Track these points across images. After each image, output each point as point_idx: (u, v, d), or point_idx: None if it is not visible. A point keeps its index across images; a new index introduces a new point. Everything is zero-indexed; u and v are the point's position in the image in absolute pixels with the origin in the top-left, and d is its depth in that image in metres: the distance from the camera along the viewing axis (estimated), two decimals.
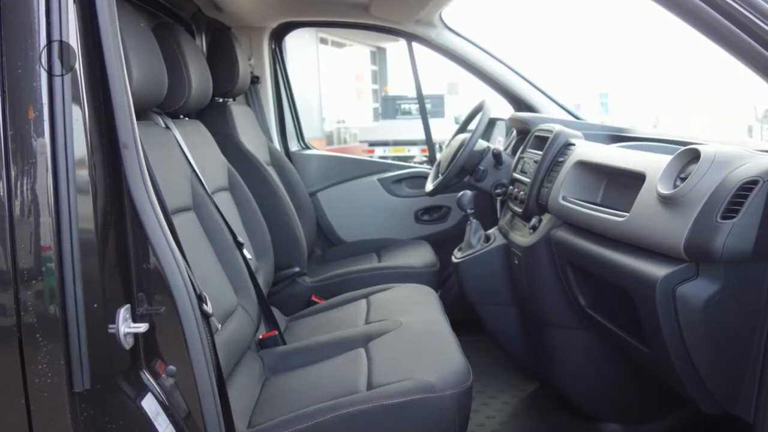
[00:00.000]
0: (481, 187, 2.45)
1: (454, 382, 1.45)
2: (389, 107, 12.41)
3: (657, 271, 1.34)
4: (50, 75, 0.98)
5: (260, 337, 1.95)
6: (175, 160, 1.80)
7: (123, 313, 1.06)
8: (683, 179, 1.33)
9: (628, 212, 1.48)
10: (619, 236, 1.52)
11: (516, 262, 2.08)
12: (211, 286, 1.68)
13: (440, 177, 2.53)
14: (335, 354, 1.78)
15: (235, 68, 2.53)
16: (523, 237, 2.04)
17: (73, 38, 1.01)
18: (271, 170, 2.72)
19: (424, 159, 7.54)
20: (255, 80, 3.11)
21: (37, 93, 0.98)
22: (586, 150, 1.88)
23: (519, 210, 2.11)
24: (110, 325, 1.04)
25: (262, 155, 2.73)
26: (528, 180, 2.07)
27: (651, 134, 2.15)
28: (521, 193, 2.11)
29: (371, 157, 9.45)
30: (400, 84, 13.71)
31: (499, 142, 3.11)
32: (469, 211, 2.32)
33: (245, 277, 1.91)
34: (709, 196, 1.26)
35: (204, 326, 1.15)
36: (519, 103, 2.85)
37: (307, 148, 3.44)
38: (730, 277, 1.28)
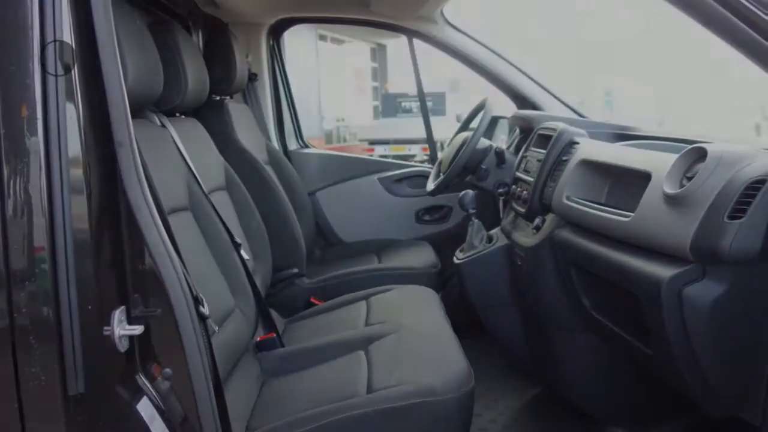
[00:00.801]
0: (483, 187, 2.42)
1: (455, 386, 1.43)
2: (390, 105, 12.36)
3: (663, 272, 1.32)
4: (45, 73, 0.96)
5: (258, 339, 1.93)
6: (171, 159, 1.79)
7: (118, 315, 1.04)
8: (689, 179, 1.32)
9: (633, 212, 1.46)
10: (623, 237, 1.50)
11: (519, 263, 2.06)
12: (208, 287, 1.65)
13: (441, 176, 2.51)
14: (334, 357, 1.76)
15: (233, 65, 2.51)
16: (526, 237, 2.02)
17: (68, 35, 0.99)
18: (269, 169, 2.70)
19: (425, 158, 7.50)
20: (253, 78, 3.08)
21: (31, 91, 0.97)
22: (590, 149, 1.86)
23: (522, 210, 2.09)
24: (105, 328, 1.03)
25: (260, 154, 2.71)
26: (531, 179, 2.05)
27: (656, 133, 2.13)
28: (524, 192, 2.09)
29: (371, 156, 9.44)
30: (400, 81, 13.68)
31: (501, 140, 3.09)
32: (471, 211, 2.29)
33: (243, 279, 1.89)
34: (715, 196, 1.24)
35: (200, 328, 1.13)
36: (522, 100, 2.83)
37: (306, 146, 3.41)
38: (737, 278, 1.26)
